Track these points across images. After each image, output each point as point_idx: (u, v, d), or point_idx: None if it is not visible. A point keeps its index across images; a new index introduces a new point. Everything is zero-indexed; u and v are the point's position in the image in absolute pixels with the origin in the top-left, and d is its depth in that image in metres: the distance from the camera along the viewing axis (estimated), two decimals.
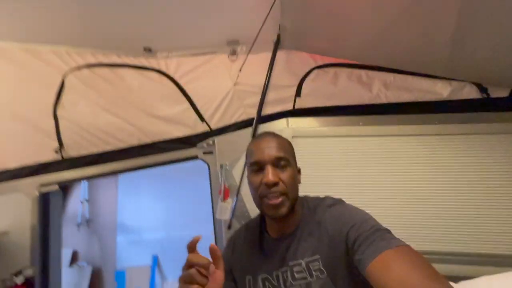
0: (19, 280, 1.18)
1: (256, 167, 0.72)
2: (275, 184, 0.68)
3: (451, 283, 0.56)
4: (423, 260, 0.53)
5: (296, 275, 0.69)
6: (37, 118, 1.31)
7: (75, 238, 2.63)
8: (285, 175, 0.70)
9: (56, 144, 1.31)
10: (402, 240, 0.58)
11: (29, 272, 1.20)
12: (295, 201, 0.73)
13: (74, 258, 2.62)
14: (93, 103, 1.32)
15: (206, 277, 0.53)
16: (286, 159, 0.71)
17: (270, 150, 0.71)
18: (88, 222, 2.66)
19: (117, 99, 1.32)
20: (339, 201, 0.74)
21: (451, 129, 1.11)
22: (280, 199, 0.68)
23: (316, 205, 0.74)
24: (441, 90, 1.15)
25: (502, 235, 1.03)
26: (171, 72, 1.31)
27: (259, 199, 0.71)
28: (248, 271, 0.77)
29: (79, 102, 1.31)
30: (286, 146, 0.75)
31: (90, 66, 1.30)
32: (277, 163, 0.70)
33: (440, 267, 1.01)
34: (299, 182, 0.77)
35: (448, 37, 0.87)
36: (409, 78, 1.18)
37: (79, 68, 1.30)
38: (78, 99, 1.31)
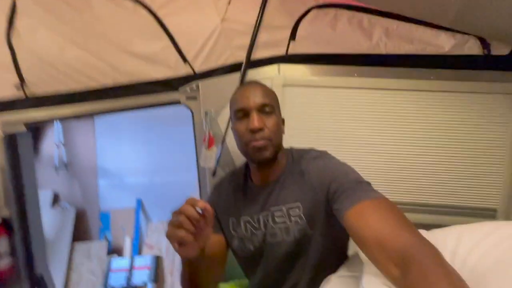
0: None
1: (241, 114, 0.72)
2: (260, 129, 0.69)
3: (422, 230, 0.60)
4: (398, 211, 0.56)
5: (277, 219, 0.73)
6: None
7: (54, 180, 2.58)
8: (270, 121, 0.71)
9: (16, 79, 1.15)
10: (385, 193, 0.61)
11: (4, 212, 1.17)
12: (279, 149, 0.74)
13: (55, 200, 2.62)
14: (55, 32, 1.13)
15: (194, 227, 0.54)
16: (271, 105, 0.72)
17: (256, 97, 0.72)
18: (66, 166, 2.59)
19: (85, 30, 1.14)
20: (324, 154, 0.76)
21: (446, 85, 1.08)
22: (264, 142, 0.69)
23: (300, 156, 0.76)
24: (443, 43, 1.08)
25: (480, 190, 1.11)
26: (147, 1, 1.12)
27: (244, 146, 0.72)
28: (231, 213, 0.81)
29: (37, 29, 1.12)
30: (271, 94, 0.77)
31: None
32: (262, 109, 0.71)
33: (417, 216, 1.11)
34: (283, 132, 0.79)
35: None
36: (413, 27, 1.08)
37: None
38: (36, 25, 1.11)
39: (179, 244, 0.54)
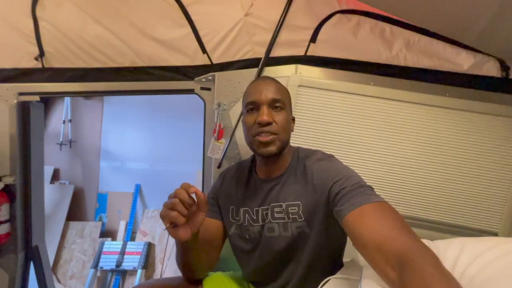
0: None
1: (252, 106, 0.73)
2: (269, 123, 0.70)
3: (426, 240, 0.60)
4: (397, 216, 0.56)
5: (276, 215, 0.74)
6: (12, 16, 1.14)
7: (57, 156, 2.60)
8: (279, 117, 0.72)
9: (36, 50, 1.17)
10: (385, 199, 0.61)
11: (9, 179, 1.18)
12: (286, 145, 0.75)
13: (56, 176, 2.63)
14: (80, 8, 1.14)
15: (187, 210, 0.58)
16: (282, 101, 0.73)
17: (268, 91, 0.73)
18: (70, 143, 2.61)
19: (109, 9, 1.15)
20: (329, 157, 0.76)
21: (460, 104, 1.08)
22: (271, 137, 0.70)
23: (306, 156, 0.77)
24: (462, 61, 1.09)
25: (483, 212, 1.10)
26: None
27: (251, 138, 0.73)
28: (232, 201, 0.82)
29: (62, 3, 1.13)
30: (284, 91, 0.77)
31: None
32: (273, 104, 0.72)
33: (417, 231, 1.10)
34: (292, 130, 0.79)
35: (491, 7, 0.77)
36: (434, 42, 1.09)
37: None
38: (62, 0, 1.13)
39: (171, 225, 0.58)
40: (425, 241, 0.60)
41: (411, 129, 1.11)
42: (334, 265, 0.76)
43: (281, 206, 0.73)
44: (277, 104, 0.72)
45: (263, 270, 0.78)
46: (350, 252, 0.80)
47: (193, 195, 0.59)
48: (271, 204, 0.74)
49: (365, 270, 0.58)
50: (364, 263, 0.57)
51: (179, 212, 0.56)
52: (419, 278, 0.40)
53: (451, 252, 0.51)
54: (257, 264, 0.78)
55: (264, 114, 0.70)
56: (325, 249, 0.73)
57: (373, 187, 0.65)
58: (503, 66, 1.07)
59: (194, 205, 0.59)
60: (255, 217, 0.77)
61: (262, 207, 0.76)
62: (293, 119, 0.82)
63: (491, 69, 1.08)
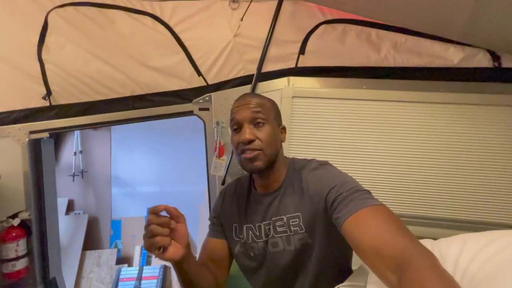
0: (16, 222, 1.21)
1: (235, 126, 0.75)
2: (251, 141, 0.71)
3: (429, 240, 0.59)
4: (395, 218, 0.56)
5: (278, 229, 0.74)
6: (21, 62, 1.22)
7: (70, 187, 2.68)
8: (261, 133, 0.72)
9: (44, 90, 1.24)
10: (392, 205, 0.60)
11: (24, 215, 1.23)
12: (274, 158, 0.75)
13: (70, 207, 2.70)
14: (81, 47, 1.22)
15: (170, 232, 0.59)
16: (263, 116, 0.73)
17: (247, 109, 0.73)
18: (82, 173, 2.69)
19: (107, 45, 1.23)
20: (324, 164, 0.76)
21: (456, 98, 1.08)
22: (254, 153, 0.71)
23: (301, 167, 0.77)
24: (452, 56, 1.10)
25: (489, 204, 1.08)
26: (165, 18, 1.20)
27: (239, 156, 0.74)
28: (234, 219, 0.82)
29: (65, 44, 1.21)
30: (267, 105, 0.76)
31: (75, 4, 1.18)
32: (254, 121, 0.73)
33: (426, 230, 1.08)
34: (283, 141, 0.80)
35: (468, 1, 0.79)
36: (421, 40, 1.10)
37: (63, 5, 1.17)
38: (64, 41, 1.21)
39: (160, 251, 0.59)
40: (427, 241, 0.59)
41: (408, 128, 1.11)
42: (343, 272, 0.75)
43: (282, 219, 0.73)
44: (258, 120, 0.73)
45: (272, 286, 0.78)
46: (358, 258, 0.79)
47: (164, 213, 0.59)
48: (273, 219, 0.75)
49: (370, 276, 0.57)
50: (367, 268, 0.57)
51: (161, 235, 0.57)
52: (417, 280, 0.40)
53: (453, 251, 0.50)
54: (266, 281, 0.78)
55: (246, 133, 0.71)
56: (331, 257, 0.73)
57: (377, 189, 0.65)
58: (494, 56, 1.07)
59: (171, 221, 0.59)
60: (258, 233, 0.77)
61: (264, 222, 0.76)
62: (284, 129, 0.81)
63: (482, 60, 1.09)
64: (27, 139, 1.25)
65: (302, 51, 1.17)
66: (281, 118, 0.82)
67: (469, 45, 1.09)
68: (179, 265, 0.65)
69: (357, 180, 0.68)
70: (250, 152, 0.71)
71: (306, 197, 0.71)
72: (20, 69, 1.23)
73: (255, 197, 0.81)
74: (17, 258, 1.20)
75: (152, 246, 0.57)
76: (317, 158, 0.80)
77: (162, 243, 0.57)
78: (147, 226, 0.58)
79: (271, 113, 0.76)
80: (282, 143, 0.80)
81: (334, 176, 0.69)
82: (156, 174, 2.72)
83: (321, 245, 0.70)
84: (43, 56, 1.22)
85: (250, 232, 0.79)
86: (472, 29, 0.98)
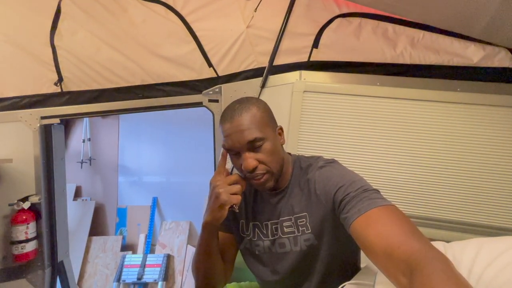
0: (26, 205, 1.23)
1: (232, 152, 0.69)
2: (255, 168, 0.66)
3: (442, 242, 0.58)
4: (405, 219, 0.54)
5: (286, 230, 0.73)
6: (34, 47, 1.23)
7: (78, 174, 2.72)
8: (262, 155, 0.67)
9: (55, 76, 1.25)
10: (401, 205, 0.59)
11: (34, 199, 1.25)
12: (281, 169, 0.72)
13: (78, 193, 2.75)
14: (93, 34, 1.22)
15: None
16: (259, 138, 0.66)
17: (241, 134, 0.66)
18: (90, 161, 2.72)
19: (119, 33, 1.22)
20: (331, 162, 0.73)
21: (473, 98, 1.04)
22: (264, 178, 0.68)
23: (308, 165, 0.74)
24: (472, 55, 1.06)
25: (504, 209, 1.05)
26: (178, 7, 1.19)
27: (246, 179, 0.71)
28: (241, 216, 0.81)
29: (77, 31, 1.21)
30: (256, 116, 0.68)
31: None
32: (251, 146, 0.66)
33: (435, 232, 1.06)
34: (283, 143, 0.75)
35: None
36: (440, 37, 1.07)
37: None
38: (77, 27, 1.21)
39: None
40: (440, 243, 0.58)
41: (422, 127, 1.08)
42: (350, 270, 0.74)
43: (290, 219, 0.72)
44: (256, 144, 0.66)
45: (278, 285, 0.77)
46: (366, 257, 0.78)
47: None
48: (280, 218, 0.74)
49: (379, 276, 0.56)
50: (376, 268, 0.56)
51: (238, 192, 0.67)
52: (428, 284, 0.39)
53: (468, 255, 0.49)
54: (271, 281, 0.78)
55: (248, 163, 0.65)
56: (339, 258, 0.72)
57: (387, 189, 0.63)
58: None
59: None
60: (265, 231, 0.77)
61: (271, 221, 0.76)
62: (281, 129, 0.76)
63: (504, 60, 1.05)
64: (38, 124, 1.27)
65: (315, 44, 1.14)
66: (274, 118, 0.75)
67: (490, 44, 1.05)
68: (214, 228, 0.72)
69: (367, 179, 0.66)
70: (258, 178, 0.67)
71: (313, 197, 0.70)
72: (33, 55, 1.23)
73: (262, 195, 0.80)
74: (27, 241, 1.23)
75: (231, 202, 0.66)
76: (326, 155, 0.78)
77: (239, 199, 0.67)
78: (231, 181, 0.68)
79: (264, 124, 0.69)
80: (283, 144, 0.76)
81: (342, 174, 0.67)
82: (163, 164, 2.73)
83: (329, 246, 0.69)
84: (56, 42, 1.23)
85: (256, 229, 0.78)
86: (494, 27, 0.94)
